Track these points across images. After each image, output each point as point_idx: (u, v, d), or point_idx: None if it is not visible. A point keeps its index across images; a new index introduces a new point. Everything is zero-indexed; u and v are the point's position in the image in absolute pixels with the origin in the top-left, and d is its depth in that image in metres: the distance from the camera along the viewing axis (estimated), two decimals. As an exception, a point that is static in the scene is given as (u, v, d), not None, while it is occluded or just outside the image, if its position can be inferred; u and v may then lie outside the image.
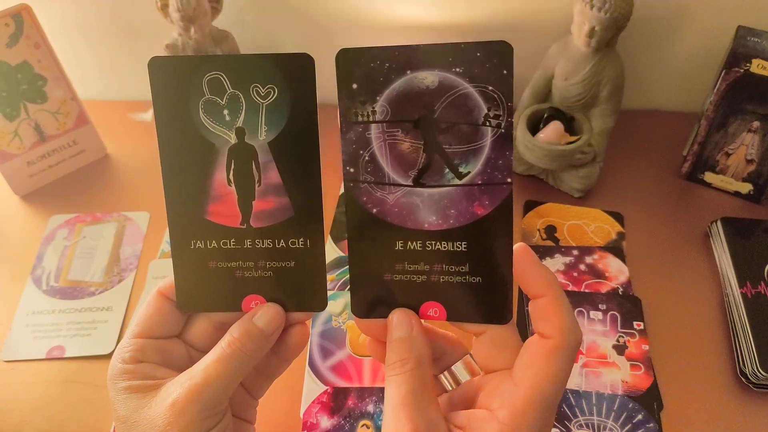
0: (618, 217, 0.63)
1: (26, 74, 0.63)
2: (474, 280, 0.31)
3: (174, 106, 0.31)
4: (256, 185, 0.32)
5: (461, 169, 0.31)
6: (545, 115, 0.64)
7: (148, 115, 0.76)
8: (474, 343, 0.33)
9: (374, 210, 0.31)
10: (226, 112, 0.31)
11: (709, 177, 0.65)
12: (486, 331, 0.32)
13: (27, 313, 0.57)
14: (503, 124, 0.30)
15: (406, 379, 0.30)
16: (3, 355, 0.54)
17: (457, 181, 0.31)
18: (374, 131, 0.31)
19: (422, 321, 0.32)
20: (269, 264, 0.33)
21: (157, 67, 0.31)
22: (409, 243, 0.31)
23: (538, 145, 0.61)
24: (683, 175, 0.66)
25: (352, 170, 0.31)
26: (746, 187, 0.63)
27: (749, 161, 0.62)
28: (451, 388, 0.34)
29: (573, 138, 0.62)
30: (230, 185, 0.32)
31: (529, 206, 0.64)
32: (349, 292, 0.33)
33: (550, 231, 0.62)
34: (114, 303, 0.57)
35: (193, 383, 0.31)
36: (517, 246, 0.31)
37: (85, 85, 0.77)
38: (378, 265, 0.32)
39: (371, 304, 0.33)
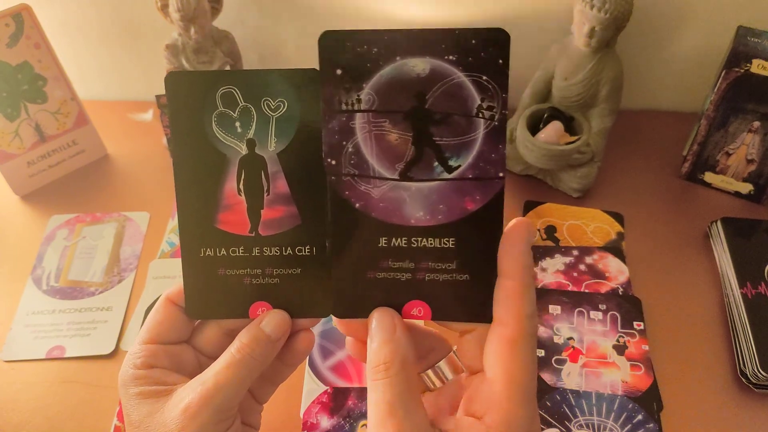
0: (618, 217, 0.63)
1: (26, 74, 0.63)
2: (461, 277, 0.30)
3: (188, 118, 0.32)
4: (265, 194, 0.33)
5: (451, 163, 0.29)
6: (545, 116, 0.64)
7: (148, 115, 0.76)
8: (460, 343, 0.32)
9: (357, 204, 0.30)
10: (237, 124, 0.32)
11: (709, 177, 0.65)
12: (473, 330, 0.31)
13: (27, 313, 0.57)
14: (497, 117, 0.29)
15: (392, 384, 0.29)
16: (3, 355, 0.54)
17: (446, 175, 0.29)
18: (359, 121, 0.29)
19: (405, 320, 0.32)
20: (276, 271, 0.33)
21: (173, 81, 0.32)
22: (394, 239, 0.30)
23: (538, 145, 0.61)
24: (683, 175, 0.66)
25: (333, 162, 0.30)
26: (746, 187, 0.63)
27: (750, 161, 0.62)
28: (434, 387, 0.33)
29: (573, 138, 0.62)
30: (240, 194, 0.33)
31: (528, 206, 0.64)
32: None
33: (550, 231, 0.62)
34: (114, 303, 0.57)
35: (205, 388, 0.31)
36: (515, 220, 0.30)
37: (85, 85, 0.77)
38: (361, 263, 0.31)
39: (353, 303, 0.32)
